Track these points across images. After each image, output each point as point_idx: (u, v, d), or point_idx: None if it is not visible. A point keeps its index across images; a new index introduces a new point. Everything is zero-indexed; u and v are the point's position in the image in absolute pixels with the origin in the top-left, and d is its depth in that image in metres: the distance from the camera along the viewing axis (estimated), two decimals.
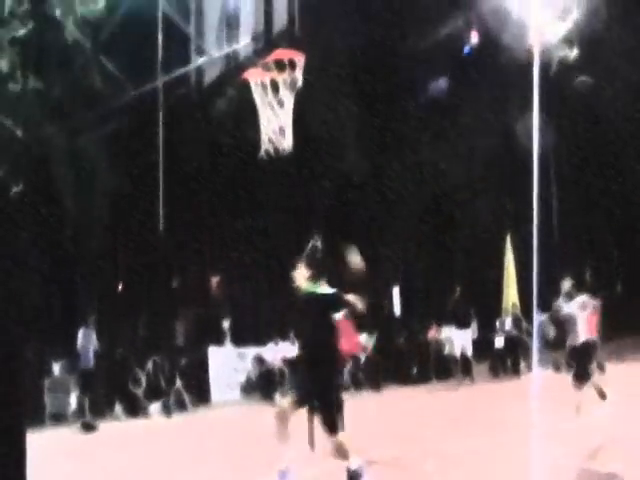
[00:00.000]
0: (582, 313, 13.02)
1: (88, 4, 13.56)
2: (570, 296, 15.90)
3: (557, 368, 19.90)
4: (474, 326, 21.80)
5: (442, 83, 26.53)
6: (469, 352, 20.83)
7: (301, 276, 7.99)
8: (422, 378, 20.12)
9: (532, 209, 10.09)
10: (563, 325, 19.76)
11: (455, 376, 20.08)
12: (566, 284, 14.62)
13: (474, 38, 25.50)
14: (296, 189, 23.07)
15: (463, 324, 21.12)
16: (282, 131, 7.90)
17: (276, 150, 7.97)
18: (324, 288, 7.95)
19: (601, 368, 19.33)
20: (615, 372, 18.86)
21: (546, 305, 19.99)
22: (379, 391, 18.90)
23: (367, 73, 24.79)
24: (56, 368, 16.30)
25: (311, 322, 8.03)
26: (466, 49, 25.81)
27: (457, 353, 20.64)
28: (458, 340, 20.86)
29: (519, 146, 22.55)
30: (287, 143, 7.90)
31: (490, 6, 22.16)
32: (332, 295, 7.92)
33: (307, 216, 23.04)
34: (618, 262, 27.47)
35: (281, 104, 7.80)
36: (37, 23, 12.90)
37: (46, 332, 16.17)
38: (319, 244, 11.16)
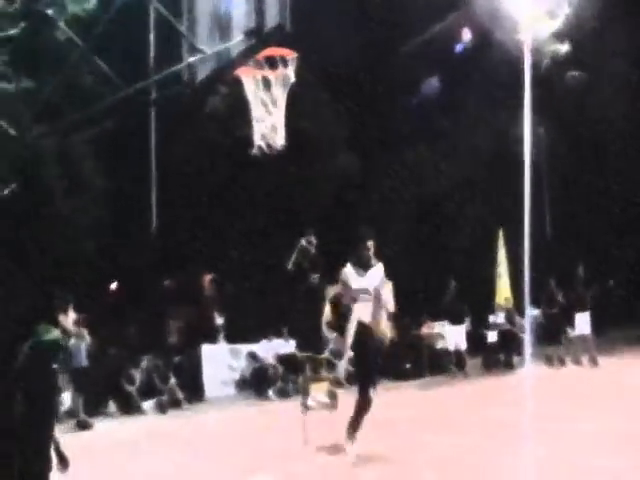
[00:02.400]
0: None
1: (80, 2, 13.58)
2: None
3: (549, 362, 20.02)
4: (467, 321, 21.84)
5: (435, 81, 26.57)
6: (463, 347, 20.86)
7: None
8: (416, 373, 20.15)
9: (524, 205, 10.15)
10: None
11: (449, 371, 20.12)
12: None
13: (466, 36, 25.56)
14: (290, 187, 23.07)
15: (457, 319, 21.14)
16: (274, 128, 7.94)
17: (269, 147, 8.01)
18: None
19: (594, 361, 19.47)
20: (607, 365, 18.99)
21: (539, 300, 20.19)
22: None
23: (359, 71, 24.85)
24: None
25: None
26: (459, 47, 25.86)
27: (451, 348, 20.68)
28: (452, 335, 20.90)
29: (512, 142, 22.68)
30: (280, 140, 7.94)
31: (481, 3, 22.21)
32: None
33: (301, 214, 23.07)
34: (610, 257, 27.54)
35: (273, 101, 7.84)
36: (28, 22, 12.90)
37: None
38: (312, 241, 11.24)
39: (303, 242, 11.29)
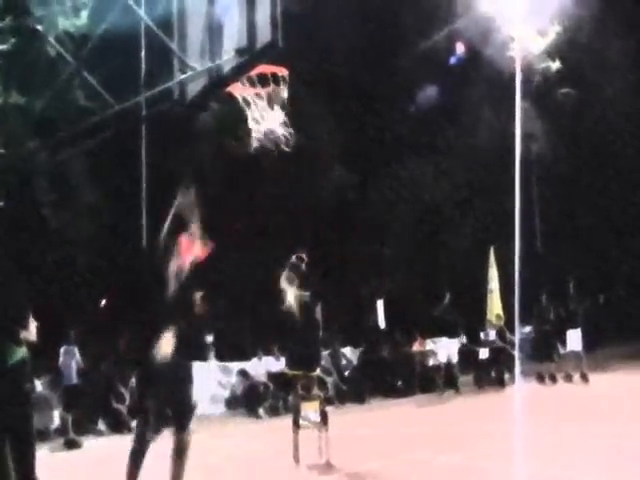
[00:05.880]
0: None
1: (71, 19, 13.55)
2: None
3: (541, 379, 19.98)
4: (459, 338, 21.82)
5: (429, 92, 26.61)
6: (454, 361, 20.83)
7: None
8: (407, 390, 20.10)
9: (514, 223, 10.12)
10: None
11: (440, 388, 20.06)
12: None
13: (460, 49, 25.63)
14: (284, 202, 23.07)
15: (451, 332, 21.14)
16: (270, 140, 7.93)
17: (264, 162, 8.01)
18: None
19: (585, 378, 19.44)
20: (598, 382, 18.96)
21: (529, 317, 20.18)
22: (364, 404, 18.87)
23: (351, 86, 24.89)
24: (39, 385, 16.16)
25: None
26: (452, 60, 25.94)
27: (442, 365, 20.63)
28: (443, 352, 20.86)
29: (503, 156, 22.72)
30: (276, 150, 7.93)
31: (474, 20, 22.30)
32: None
33: (291, 232, 23.03)
34: (601, 273, 27.58)
35: (265, 119, 7.82)
36: (19, 38, 12.87)
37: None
38: (303, 258, 11.19)
39: (294, 259, 11.23)
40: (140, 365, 8.14)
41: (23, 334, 7.40)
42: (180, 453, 8.16)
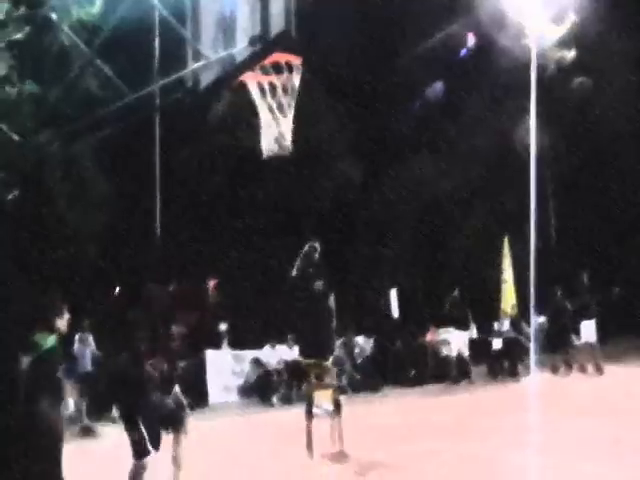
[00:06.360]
0: None
1: (85, 7, 13.55)
2: None
3: (555, 370, 19.93)
4: (472, 328, 21.75)
5: (439, 86, 26.53)
6: (466, 354, 20.76)
7: None
8: (420, 380, 20.09)
9: (529, 212, 10.11)
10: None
11: (453, 378, 20.03)
12: None
13: (471, 40, 25.52)
14: (295, 191, 23.07)
15: (461, 325, 21.05)
16: (282, 135, 7.89)
17: (277, 153, 7.97)
18: None
19: (599, 370, 19.39)
20: (613, 373, 18.90)
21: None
22: (377, 393, 18.89)
23: (364, 75, 24.82)
24: None
25: None
26: (463, 51, 25.83)
27: (457, 354, 20.57)
28: (456, 342, 20.79)
29: (517, 148, 22.63)
30: (287, 146, 7.89)
31: (487, 9, 22.17)
32: None
33: (305, 219, 23.06)
34: (616, 264, 27.43)
35: (280, 107, 7.79)
36: (33, 27, 12.88)
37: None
38: (316, 247, 11.19)
39: (307, 248, 11.22)
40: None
41: (58, 323, 7.62)
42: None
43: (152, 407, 8.25)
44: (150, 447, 7.99)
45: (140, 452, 8.00)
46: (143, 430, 7.97)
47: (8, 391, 7.08)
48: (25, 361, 7.22)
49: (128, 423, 8.09)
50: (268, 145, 7.98)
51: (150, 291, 9.59)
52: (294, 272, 11.14)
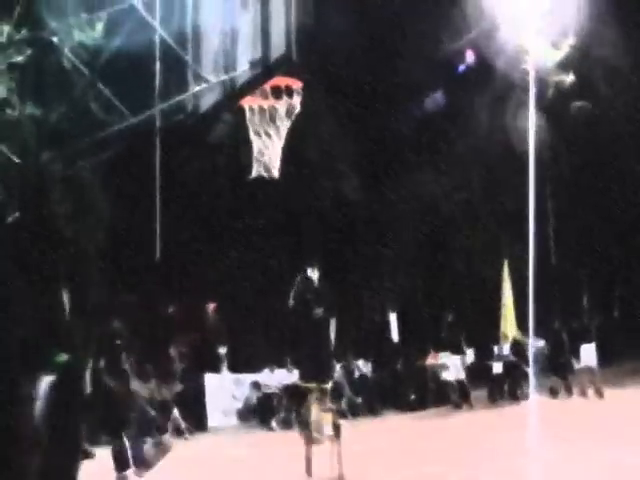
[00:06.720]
0: None
1: (86, 31, 13.59)
2: None
3: (554, 394, 19.86)
4: (471, 352, 21.66)
5: (437, 101, 26.49)
6: (466, 378, 20.66)
7: None
8: (420, 404, 20.00)
9: (529, 236, 10.09)
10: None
11: (453, 402, 19.95)
12: None
13: (470, 57, 25.54)
14: (293, 214, 23.07)
15: (460, 350, 20.98)
16: (271, 161, 7.93)
17: (267, 176, 8.00)
18: None
19: (599, 393, 19.32)
20: (614, 397, 18.82)
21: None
22: (377, 417, 18.81)
23: (364, 95, 24.84)
24: None
25: None
26: (461, 68, 25.84)
27: (455, 379, 20.48)
28: (456, 366, 20.71)
29: (516, 166, 22.60)
30: (274, 172, 7.93)
31: (486, 32, 22.23)
32: None
33: (303, 242, 23.02)
34: (616, 287, 27.39)
35: (276, 131, 7.83)
36: (35, 49, 12.92)
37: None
38: (314, 273, 11.16)
39: (303, 275, 11.18)
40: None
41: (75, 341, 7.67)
42: None
43: (137, 421, 8.24)
44: (131, 461, 7.96)
45: (122, 464, 7.98)
46: (126, 442, 7.95)
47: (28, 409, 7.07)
48: (46, 380, 7.21)
49: (112, 433, 8.08)
50: (258, 168, 8.03)
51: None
52: (290, 302, 11.14)
